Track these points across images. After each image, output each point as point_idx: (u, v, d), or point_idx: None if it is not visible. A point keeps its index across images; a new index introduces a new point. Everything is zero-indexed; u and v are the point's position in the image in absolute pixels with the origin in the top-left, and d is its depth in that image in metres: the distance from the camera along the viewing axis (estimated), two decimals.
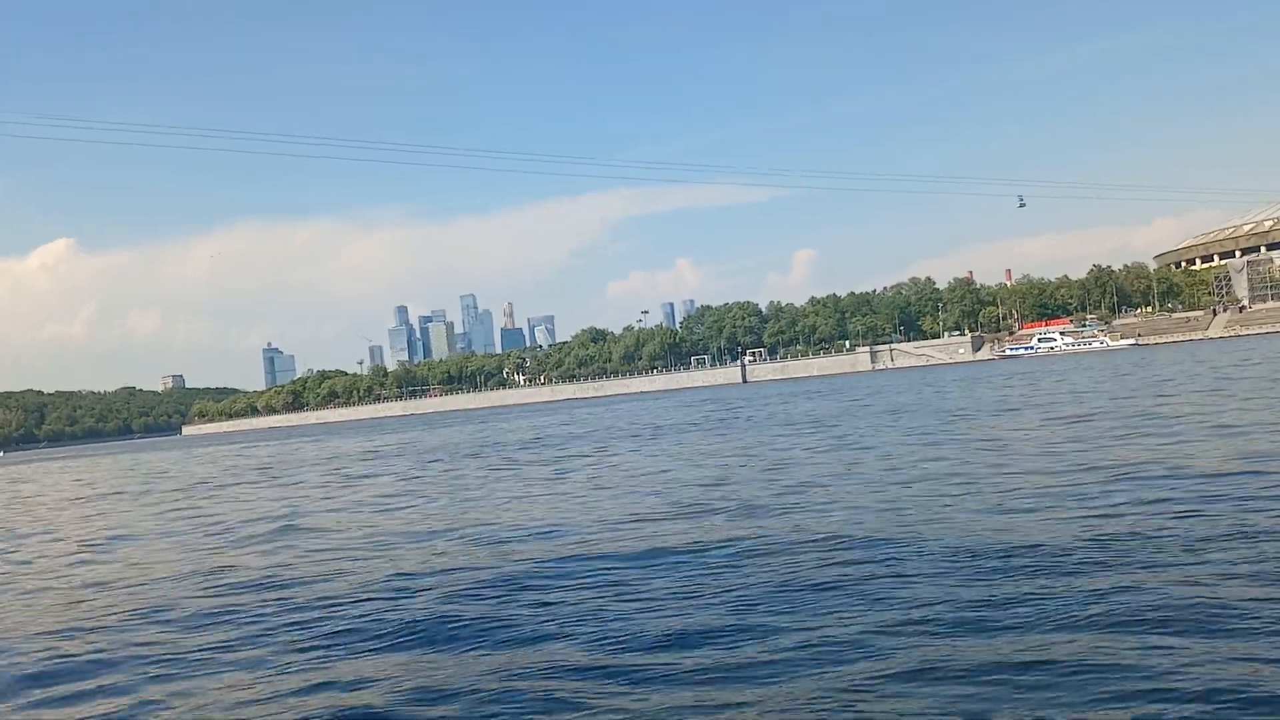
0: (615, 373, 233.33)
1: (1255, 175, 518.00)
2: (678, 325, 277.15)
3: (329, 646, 9.45)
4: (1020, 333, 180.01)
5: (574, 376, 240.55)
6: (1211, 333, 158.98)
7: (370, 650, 9.17)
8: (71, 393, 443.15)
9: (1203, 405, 29.00)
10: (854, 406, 50.27)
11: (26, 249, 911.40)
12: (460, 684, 7.81)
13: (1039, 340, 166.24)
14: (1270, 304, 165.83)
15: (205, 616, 11.35)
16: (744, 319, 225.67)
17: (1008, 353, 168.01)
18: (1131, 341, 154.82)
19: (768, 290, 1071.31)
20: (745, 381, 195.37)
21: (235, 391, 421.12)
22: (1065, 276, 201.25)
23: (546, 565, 12.68)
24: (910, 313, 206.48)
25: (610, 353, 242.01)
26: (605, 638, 8.80)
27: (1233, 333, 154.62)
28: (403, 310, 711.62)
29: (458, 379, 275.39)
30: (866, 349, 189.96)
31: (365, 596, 11.66)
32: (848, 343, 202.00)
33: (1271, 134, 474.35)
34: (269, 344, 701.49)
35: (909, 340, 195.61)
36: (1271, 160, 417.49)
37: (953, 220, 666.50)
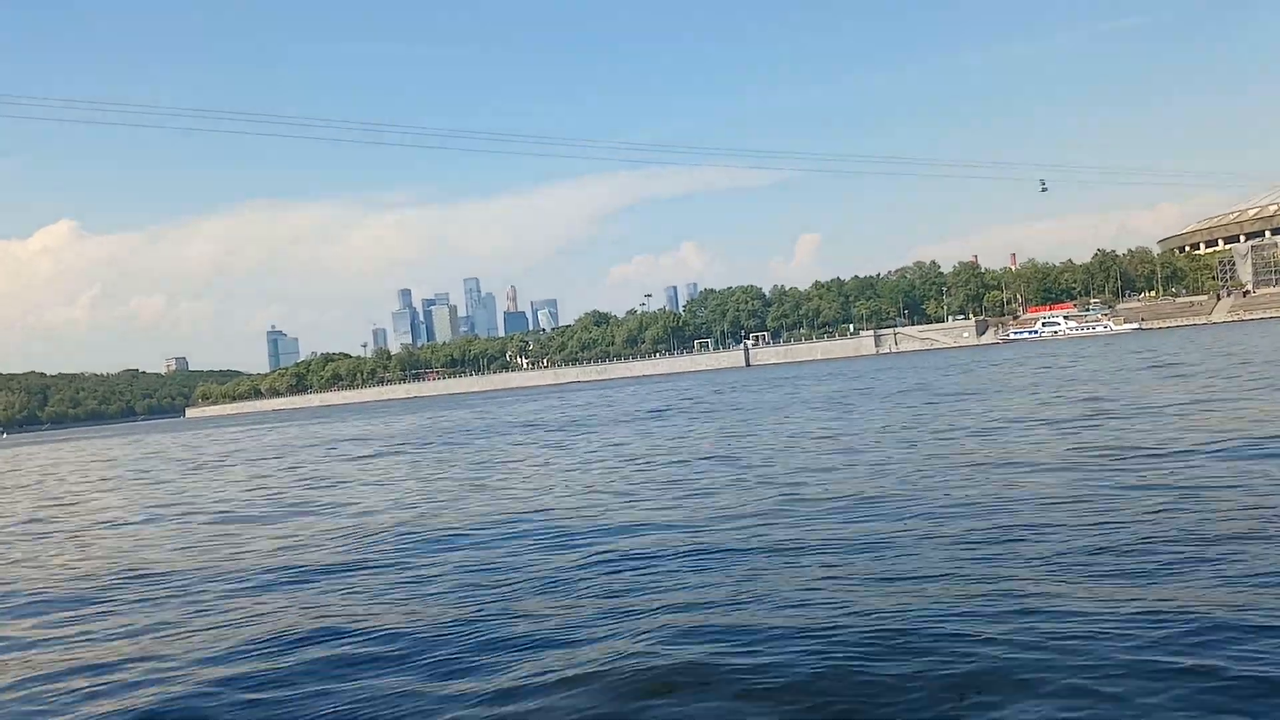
0: (618, 356, 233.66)
1: (1260, 160, 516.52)
2: (681, 309, 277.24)
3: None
4: (1024, 317, 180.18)
5: (577, 360, 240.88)
6: (1215, 317, 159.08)
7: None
8: (74, 375, 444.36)
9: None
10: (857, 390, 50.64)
11: (29, 230, 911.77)
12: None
13: (1043, 324, 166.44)
14: (1274, 288, 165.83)
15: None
16: (747, 303, 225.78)
17: (1012, 337, 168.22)
18: (1135, 326, 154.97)
19: (772, 274, 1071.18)
20: (748, 365, 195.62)
21: (239, 374, 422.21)
22: (1070, 261, 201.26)
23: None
24: (914, 296, 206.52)
25: (613, 336, 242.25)
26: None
27: (1236, 317, 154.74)
28: (406, 293, 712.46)
29: (461, 362, 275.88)
30: (870, 333, 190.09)
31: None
32: (851, 326, 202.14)
33: (1277, 118, 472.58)
34: (272, 327, 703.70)
35: (913, 324, 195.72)
36: (1277, 144, 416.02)
37: (958, 204, 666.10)
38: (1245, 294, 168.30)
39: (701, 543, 11.52)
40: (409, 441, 41.18)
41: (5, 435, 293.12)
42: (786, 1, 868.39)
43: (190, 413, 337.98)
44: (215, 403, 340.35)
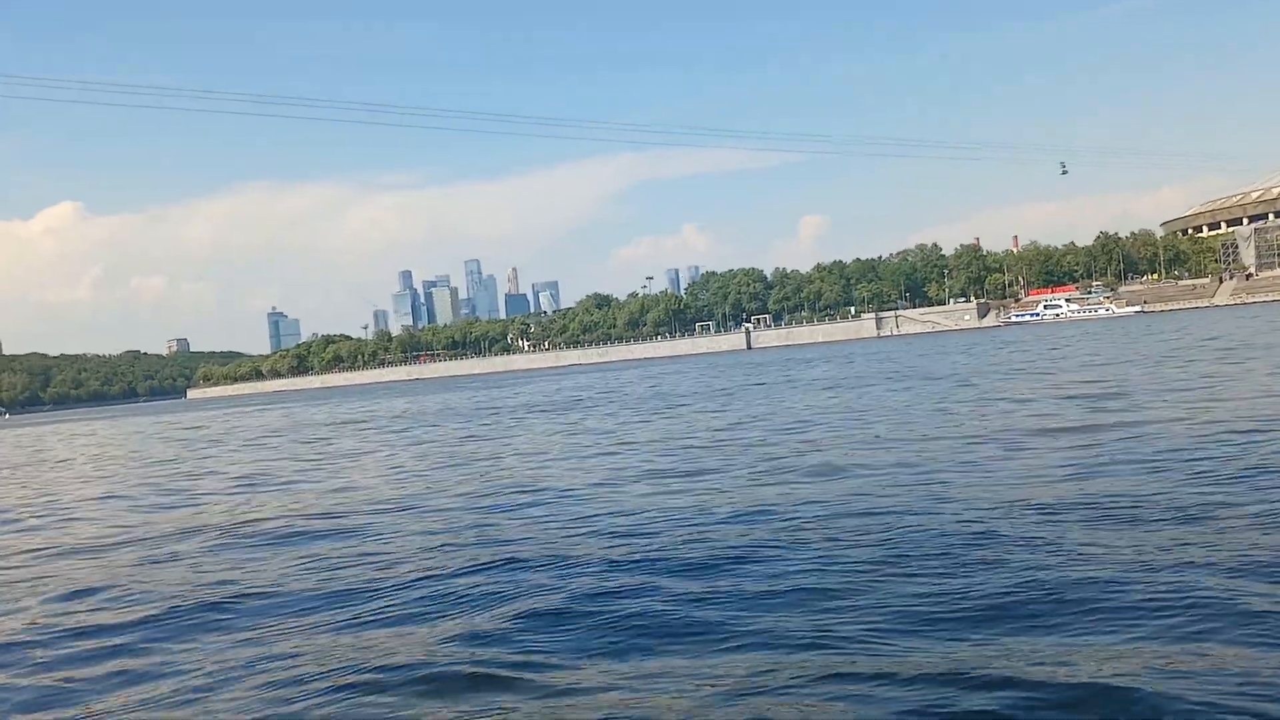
0: (620, 339, 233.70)
1: (1263, 142, 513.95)
2: (683, 291, 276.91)
3: None
4: (1026, 299, 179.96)
5: (578, 342, 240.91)
6: (1218, 300, 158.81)
7: None
8: (76, 356, 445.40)
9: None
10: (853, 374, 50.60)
11: (31, 212, 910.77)
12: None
13: (1045, 307, 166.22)
14: (1277, 271, 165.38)
15: None
16: (749, 285, 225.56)
17: (1013, 319, 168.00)
18: (1137, 308, 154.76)
19: (774, 256, 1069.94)
20: (750, 348, 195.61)
21: (240, 355, 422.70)
22: (1072, 243, 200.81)
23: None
24: (916, 279, 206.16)
25: (615, 319, 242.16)
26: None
27: (1239, 300, 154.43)
28: (407, 275, 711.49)
29: (462, 344, 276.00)
30: (872, 315, 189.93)
31: None
32: (853, 309, 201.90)
33: None
34: (273, 308, 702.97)
35: (915, 307, 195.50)
36: None
37: (960, 187, 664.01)
38: (1248, 277, 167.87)
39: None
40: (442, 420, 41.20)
41: (8, 416, 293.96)
42: None
43: (192, 394, 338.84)
44: (216, 384, 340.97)
